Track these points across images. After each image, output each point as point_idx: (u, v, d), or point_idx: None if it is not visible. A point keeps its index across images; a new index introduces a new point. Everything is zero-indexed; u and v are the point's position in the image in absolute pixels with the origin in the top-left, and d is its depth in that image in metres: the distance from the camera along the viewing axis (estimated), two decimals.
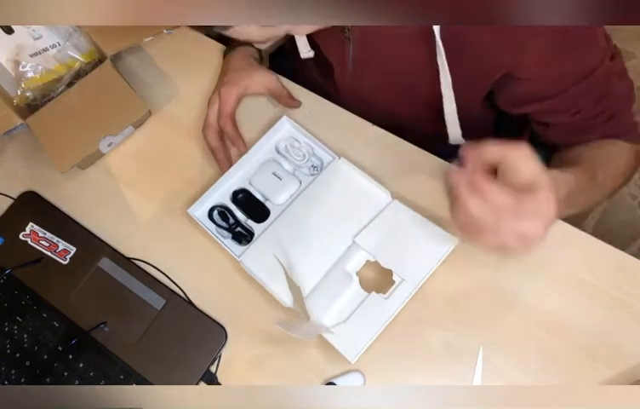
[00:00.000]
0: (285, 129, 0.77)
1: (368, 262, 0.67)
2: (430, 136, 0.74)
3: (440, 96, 0.70)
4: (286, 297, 0.66)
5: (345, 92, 0.82)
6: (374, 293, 0.65)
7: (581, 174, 0.63)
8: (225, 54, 0.84)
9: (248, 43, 0.83)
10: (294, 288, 0.66)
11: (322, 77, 0.86)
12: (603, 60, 0.65)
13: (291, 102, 0.79)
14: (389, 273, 0.65)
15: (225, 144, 0.77)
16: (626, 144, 0.69)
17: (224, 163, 0.76)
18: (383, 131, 0.76)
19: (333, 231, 0.69)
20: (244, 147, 0.76)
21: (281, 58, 1.01)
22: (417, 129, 0.76)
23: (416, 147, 0.75)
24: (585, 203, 0.66)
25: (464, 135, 0.75)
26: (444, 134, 0.75)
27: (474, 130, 0.73)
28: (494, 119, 0.84)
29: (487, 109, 0.76)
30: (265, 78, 0.79)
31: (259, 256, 0.68)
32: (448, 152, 0.74)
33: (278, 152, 0.76)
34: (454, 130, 0.73)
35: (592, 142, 0.69)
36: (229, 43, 0.84)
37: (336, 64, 0.79)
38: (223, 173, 0.73)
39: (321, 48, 0.79)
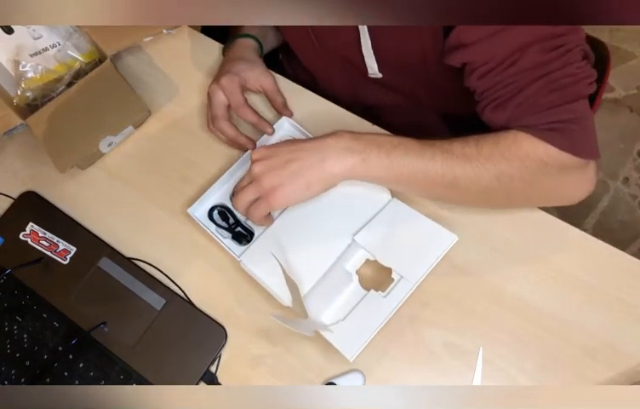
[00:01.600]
0: (285, 128, 0.77)
1: (367, 260, 0.67)
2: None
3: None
4: (285, 297, 0.66)
5: (321, 75, 0.83)
6: (372, 291, 0.65)
7: (418, 142, 0.61)
8: (225, 49, 0.84)
9: (248, 35, 0.83)
10: (293, 287, 0.66)
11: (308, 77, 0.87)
12: None
13: (283, 111, 0.78)
14: (388, 271, 0.65)
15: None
16: (534, 138, 0.59)
17: (249, 143, 0.75)
18: (383, 131, 0.76)
19: (332, 230, 0.69)
20: (272, 129, 0.76)
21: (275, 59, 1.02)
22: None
23: None
24: (421, 167, 0.61)
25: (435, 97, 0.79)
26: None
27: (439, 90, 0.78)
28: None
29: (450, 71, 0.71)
30: (262, 76, 0.78)
31: (259, 256, 0.68)
32: None
33: None
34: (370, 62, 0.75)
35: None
36: (228, 39, 0.84)
37: (306, 50, 0.80)
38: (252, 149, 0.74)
39: (289, 41, 0.81)
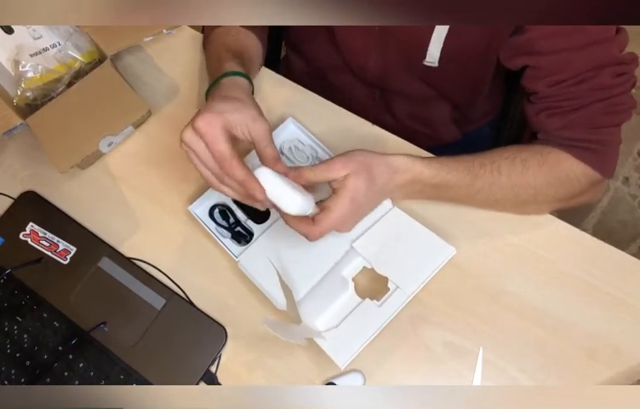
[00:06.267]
0: (289, 130, 0.77)
1: (364, 268, 0.67)
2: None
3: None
4: (280, 301, 0.66)
5: (355, 51, 0.80)
6: (367, 300, 0.65)
7: (468, 174, 0.65)
8: (207, 92, 0.70)
9: (234, 72, 0.69)
10: (287, 291, 0.65)
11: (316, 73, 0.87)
12: (609, 43, 0.62)
13: (273, 165, 0.60)
14: (384, 280, 0.65)
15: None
16: (575, 159, 0.65)
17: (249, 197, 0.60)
18: (386, 133, 0.76)
19: (331, 235, 0.68)
20: (262, 195, 0.58)
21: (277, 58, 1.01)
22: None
23: (418, 149, 0.75)
24: (469, 194, 0.67)
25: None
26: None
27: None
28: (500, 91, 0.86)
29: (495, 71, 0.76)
30: (253, 121, 0.60)
31: (256, 258, 0.68)
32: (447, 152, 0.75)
33: (282, 153, 0.76)
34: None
35: (535, 146, 0.67)
36: (209, 84, 0.71)
37: (361, 36, 0.77)
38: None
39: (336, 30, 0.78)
